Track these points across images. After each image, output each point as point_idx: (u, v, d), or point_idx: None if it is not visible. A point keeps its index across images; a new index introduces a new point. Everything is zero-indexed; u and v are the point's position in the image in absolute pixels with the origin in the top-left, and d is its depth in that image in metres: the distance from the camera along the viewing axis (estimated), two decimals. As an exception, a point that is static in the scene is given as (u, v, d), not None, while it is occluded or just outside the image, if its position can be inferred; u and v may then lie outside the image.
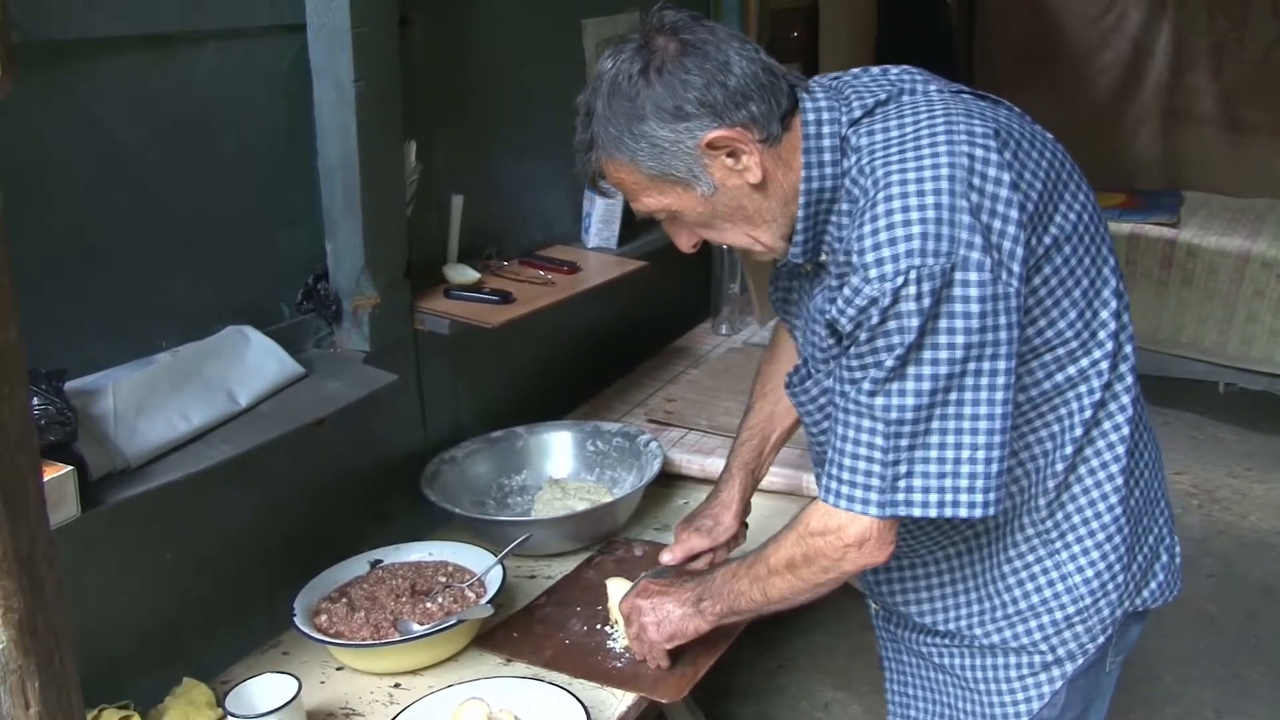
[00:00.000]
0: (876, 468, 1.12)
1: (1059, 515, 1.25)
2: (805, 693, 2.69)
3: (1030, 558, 1.27)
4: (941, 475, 1.11)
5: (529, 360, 2.21)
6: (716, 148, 1.14)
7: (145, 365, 1.40)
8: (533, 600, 1.69)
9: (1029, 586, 1.27)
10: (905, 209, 1.07)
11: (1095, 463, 1.23)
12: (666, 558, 1.61)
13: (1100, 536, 1.25)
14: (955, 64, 4.51)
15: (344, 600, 1.57)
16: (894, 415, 1.09)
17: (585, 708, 1.37)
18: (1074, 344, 1.17)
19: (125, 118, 1.36)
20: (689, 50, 1.13)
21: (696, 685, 1.49)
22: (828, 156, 1.17)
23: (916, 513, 1.12)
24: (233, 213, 1.53)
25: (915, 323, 1.06)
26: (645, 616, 1.44)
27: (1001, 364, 1.08)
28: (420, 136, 1.76)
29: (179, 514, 1.46)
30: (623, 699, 1.46)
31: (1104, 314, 1.19)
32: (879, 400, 1.10)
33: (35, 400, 1.15)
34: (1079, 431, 1.21)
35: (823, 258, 1.23)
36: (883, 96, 1.18)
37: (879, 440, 1.11)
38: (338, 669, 1.54)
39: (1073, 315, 1.16)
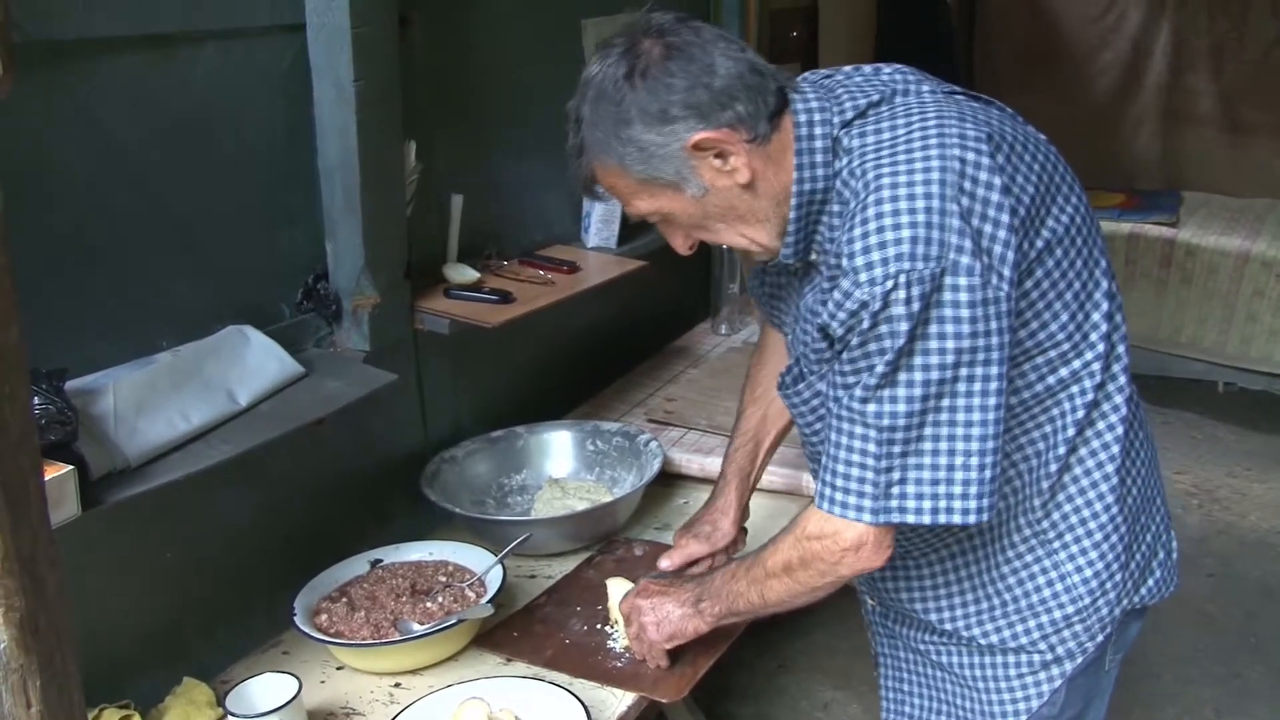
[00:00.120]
0: (870, 475, 1.12)
1: (1055, 515, 1.25)
2: (805, 693, 2.69)
3: (1029, 557, 1.27)
4: (935, 482, 1.10)
5: (529, 360, 2.21)
6: (703, 149, 1.14)
7: (145, 365, 1.40)
8: (533, 600, 1.69)
9: (1028, 585, 1.27)
10: (895, 213, 1.06)
11: (1091, 463, 1.23)
12: (665, 564, 1.61)
13: (1098, 536, 1.25)
14: (955, 64, 4.51)
15: (344, 600, 1.58)
16: (886, 422, 1.09)
17: (585, 707, 1.37)
18: (1066, 346, 1.17)
19: (125, 118, 1.36)
20: (673, 53, 1.13)
21: (696, 685, 1.49)
22: (820, 158, 1.16)
23: (910, 520, 1.12)
24: (233, 212, 1.54)
25: (905, 327, 1.06)
26: (645, 616, 1.44)
27: (994, 369, 1.08)
28: (420, 136, 1.76)
29: (179, 513, 1.46)
30: (623, 699, 1.46)
31: (1096, 316, 1.18)
32: (871, 407, 1.10)
33: (36, 400, 1.15)
34: (1071, 432, 1.21)
35: (813, 256, 1.23)
36: (875, 97, 1.17)
37: (871, 447, 1.11)
38: (338, 668, 1.54)
39: (1065, 317, 1.16)
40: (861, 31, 4.04)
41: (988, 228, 1.07)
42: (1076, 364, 1.18)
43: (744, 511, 1.64)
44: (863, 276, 1.06)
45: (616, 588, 1.58)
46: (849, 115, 1.16)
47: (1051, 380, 1.18)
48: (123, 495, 1.26)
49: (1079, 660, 1.29)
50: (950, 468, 1.10)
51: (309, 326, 1.68)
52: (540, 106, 2.08)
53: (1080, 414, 1.20)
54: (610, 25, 2.27)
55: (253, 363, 1.51)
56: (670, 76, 1.12)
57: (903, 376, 1.08)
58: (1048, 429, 1.21)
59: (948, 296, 1.05)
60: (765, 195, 1.18)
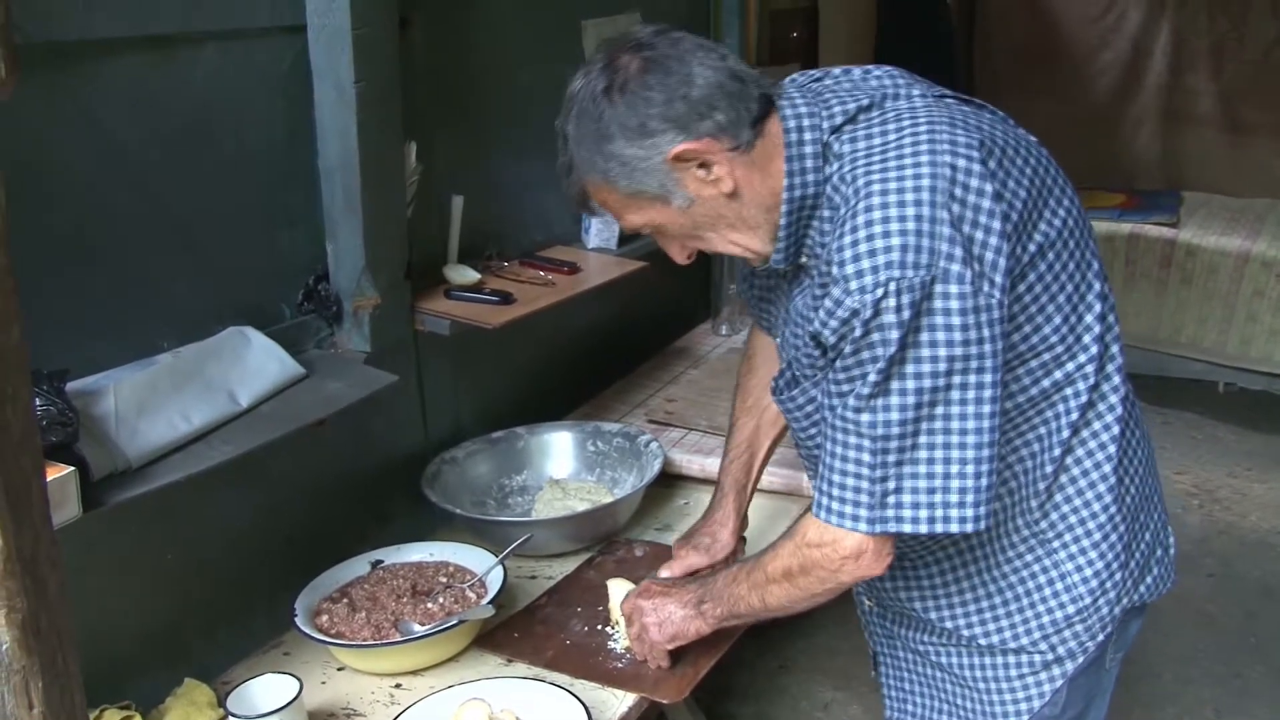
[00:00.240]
0: (865, 484, 1.12)
1: (1053, 516, 1.25)
2: (806, 693, 2.69)
3: (1029, 557, 1.27)
4: (931, 491, 1.10)
5: (529, 361, 2.21)
6: (685, 160, 1.14)
7: (146, 366, 1.40)
8: (534, 601, 1.69)
9: (1029, 585, 1.27)
10: (885, 220, 1.06)
11: (1088, 463, 1.23)
12: (665, 574, 1.61)
13: (1097, 535, 1.25)
14: (955, 64, 4.51)
15: (345, 600, 1.58)
16: (879, 431, 1.09)
17: (586, 708, 1.37)
18: (1060, 349, 1.17)
19: (126, 118, 1.36)
20: (650, 66, 1.13)
21: (697, 686, 1.49)
22: (810, 163, 1.16)
23: (907, 529, 1.12)
24: (233, 213, 1.54)
25: (896, 335, 1.05)
26: (647, 617, 1.44)
27: (987, 377, 1.08)
28: (420, 137, 1.76)
29: (180, 514, 1.46)
30: (624, 699, 1.46)
31: (1089, 318, 1.18)
32: (864, 416, 1.09)
33: (37, 401, 1.15)
34: (1066, 434, 1.21)
35: (803, 259, 1.23)
36: (865, 102, 1.17)
37: (866, 456, 1.11)
38: (339, 669, 1.54)
39: (1058, 320, 1.16)
40: (861, 31, 4.05)
41: (979, 234, 1.06)
42: (1070, 366, 1.18)
43: (743, 522, 1.64)
44: (853, 285, 1.06)
45: (617, 588, 1.58)
46: (839, 120, 1.16)
47: (1046, 383, 1.18)
48: (124, 496, 1.26)
49: (1080, 660, 1.28)
50: (946, 476, 1.10)
51: (310, 327, 1.68)
52: (540, 107, 2.06)
53: (1075, 415, 1.20)
54: (610, 25, 2.27)
55: (253, 364, 1.51)
56: (648, 90, 1.12)
57: (895, 385, 1.07)
58: (1042, 431, 1.21)
59: (939, 304, 1.05)
60: (752, 202, 1.18)
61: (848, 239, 1.08)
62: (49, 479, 1.12)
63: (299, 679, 1.36)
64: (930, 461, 1.09)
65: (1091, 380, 1.19)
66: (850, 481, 1.12)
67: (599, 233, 2.28)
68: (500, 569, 1.62)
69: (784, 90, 1.20)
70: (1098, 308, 1.19)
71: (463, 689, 1.42)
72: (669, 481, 2.02)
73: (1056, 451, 1.21)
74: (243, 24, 1.49)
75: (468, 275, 1.93)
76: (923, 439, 1.09)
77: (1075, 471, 1.23)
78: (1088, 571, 1.25)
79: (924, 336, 1.06)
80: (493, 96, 2.02)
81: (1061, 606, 1.26)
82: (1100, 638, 1.28)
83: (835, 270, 1.08)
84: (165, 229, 1.44)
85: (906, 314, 1.05)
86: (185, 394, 1.40)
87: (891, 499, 1.11)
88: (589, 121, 1.15)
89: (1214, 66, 4.48)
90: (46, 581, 0.70)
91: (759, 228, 1.20)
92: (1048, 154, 1.19)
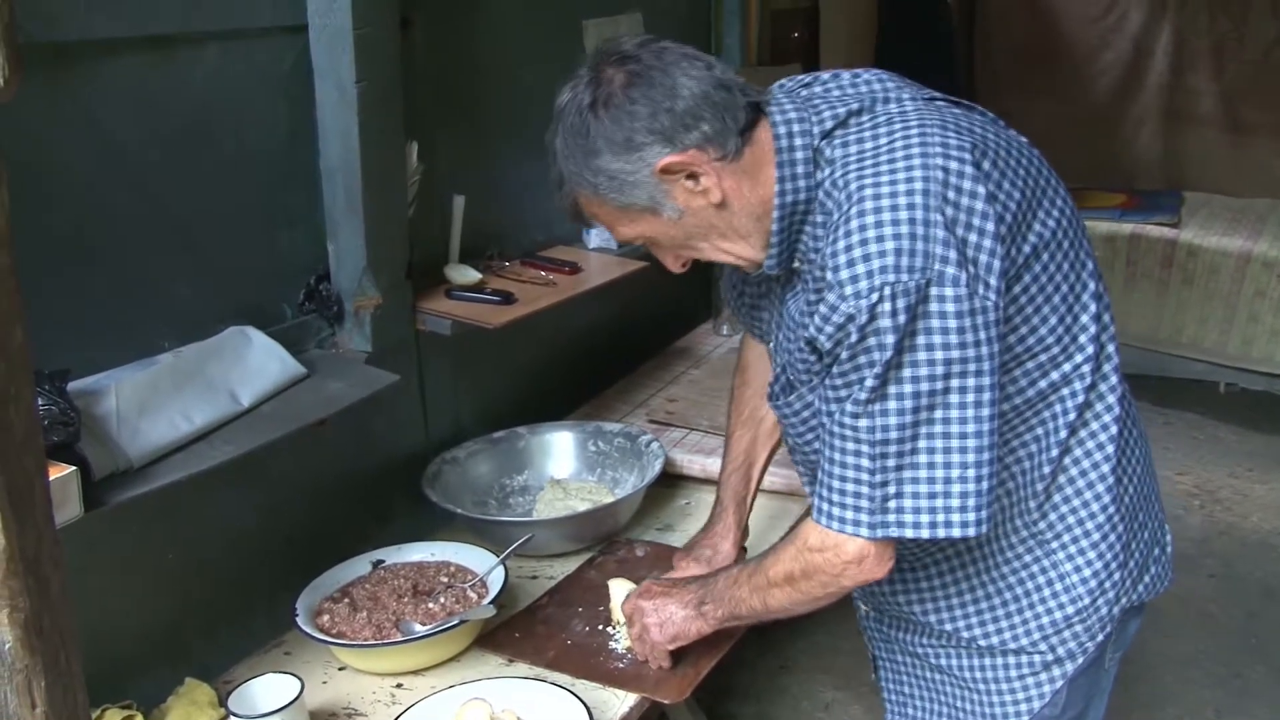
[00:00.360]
0: (865, 489, 1.11)
1: (1052, 516, 1.25)
2: (807, 693, 2.69)
3: (1027, 558, 1.27)
4: (932, 495, 1.10)
5: (530, 361, 2.21)
6: (673, 172, 1.14)
7: (147, 366, 1.40)
8: (535, 601, 1.69)
9: (1028, 586, 1.27)
10: (879, 224, 1.06)
11: (1086, 464, 1.23)
12: None
13: (1095, 536, 1.25)
14: (955, 64, 4.51)
15: (346, 600, 1.58)
16: (878, 436, 1.09)
17: (588, 708, 1.37)
18: (1056, 350, 1.17)
19: (127, 119, 1.36)
20: (634, 79, 1.13)
21: (698, 686, 1.49)
22: (801, 169, 1.16)
23: (909, 534, 1.12)
24: (234, 213, 1.54)
25: (891, 340, 1.05)
26: (648, 617, 1.44)
27: (985, 380, 1.07)
28: (422, 137, 1.76)
29: (181, 514, 1.46)
30: (625, 699, 1.46)
31: (1084, 318, 1.18)
32: (862, 421, 1.09)
33: (39, 401, 1.15)
34: (1064, 435, 1.21)
35: (795, 264, 1.22)
36: (855, 106, 1.17)
37: (865, 461, 1.10)
38: (340, 669, 1.54)
39: (1053, 321, 1.15)
40: (862, 32, 4.04)
41: (973, 237, 1.06)
42: (1067, 367, 1.18)
43: (744, 532, 1.64)
44: (848, 290, 1.06)
45: (618, 588, 1.58)
46: (829, 125, 1.16)
47: (1043, 384, 1.18)
48: (125, 496, 1.26)
49: (1080, 660, 1.28)
50: (946, 480, 1.09)
51: (311, 327, 1.68)
52: (541, 107, 2.06)
53: (1072, 416, 1.20)
54: (611, 26, 2.27)
55: (255, 363, 1.51)
56: (633, 104, 1.12)
57: (892, 390, 1.07)
58: (1039, 432, 1.20)
59: (934, 308, 1.05)
60: (742, 211, 1.18)
61: (841, 244, 1.07)
62: (51, 479, 1.12)
63: (300, 679, 1.36)
64: (930, 466, 1.09)
65: (1088, 380, 1.19)
66: (850, 487, 1.12)
67: (600, 233, 2.28)
68: (501, 569, 1.62)
69: (773, 97, 1.19)
70: (1093, 308, 1.19)
71: (464, 689, 1.42)
72: (670, 481, 2.01)
73: (1054, 452, 1.21)
74: (243, 24, 1.49)
75: (469, 275, 1.93)
76: (922, 443, 1.09)
77: (1073, 472, 1.23)
78: (1086, 572, 1.25)
79: (920, 340, 1.05)
80: (494, 96, 2.02)
81: (1061, 607, 1.26)
82: (1100, 638, 1.28)
83: (830, 275, 1.08)
84: (166, 229, 1.44)
85: (902, 318, 1.04)
86: (186, 394, 1.40)
87: (892, 504, 1.11)
88: (576, 137, 1.16)
89: (1215, 66, 4.48)
90: (49, 581, 0.70)
91: (750, 236, 1.20)
92: (1039, 155, 1.19)
